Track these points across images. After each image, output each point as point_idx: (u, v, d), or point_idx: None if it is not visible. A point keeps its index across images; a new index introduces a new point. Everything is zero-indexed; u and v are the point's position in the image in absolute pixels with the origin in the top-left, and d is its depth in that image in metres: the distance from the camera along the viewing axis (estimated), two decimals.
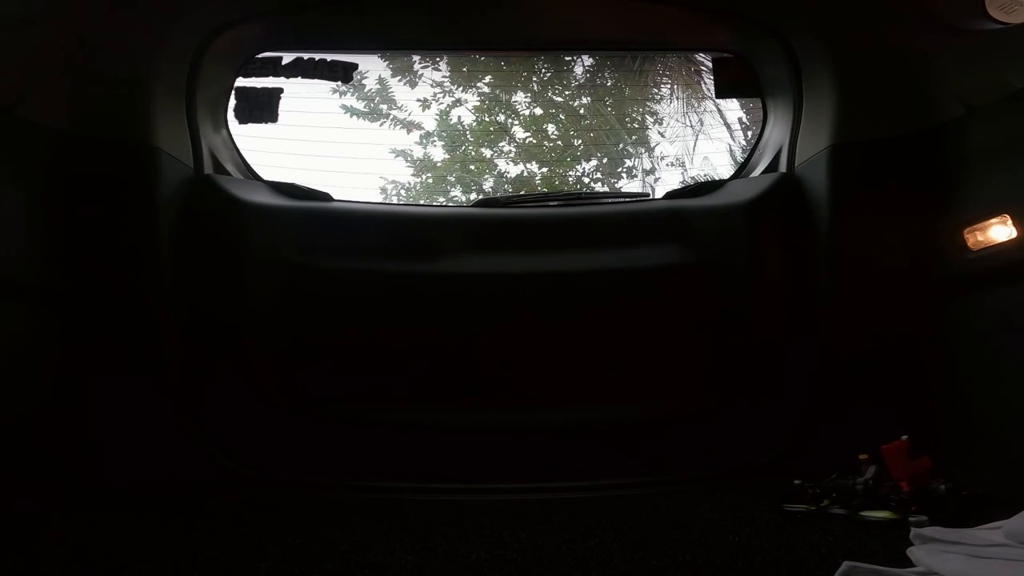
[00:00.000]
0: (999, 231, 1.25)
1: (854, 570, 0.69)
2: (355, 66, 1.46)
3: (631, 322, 1.36)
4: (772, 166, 1.55)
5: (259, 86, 1.44)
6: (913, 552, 0.74)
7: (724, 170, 3.66)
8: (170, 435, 1.38)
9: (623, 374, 1.34)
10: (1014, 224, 1.21)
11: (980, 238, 1.29)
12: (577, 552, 0.87)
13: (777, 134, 1.58)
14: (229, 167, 1.47)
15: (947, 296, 1.39)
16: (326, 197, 1.47)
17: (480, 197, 1.93)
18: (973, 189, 1.32)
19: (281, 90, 1.44)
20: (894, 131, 1.41)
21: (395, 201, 2.34)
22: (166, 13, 1.30)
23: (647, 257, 1.37)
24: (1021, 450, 1.15)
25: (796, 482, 1.12)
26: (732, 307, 1.39)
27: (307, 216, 1.41)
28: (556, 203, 1.63)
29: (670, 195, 1.58)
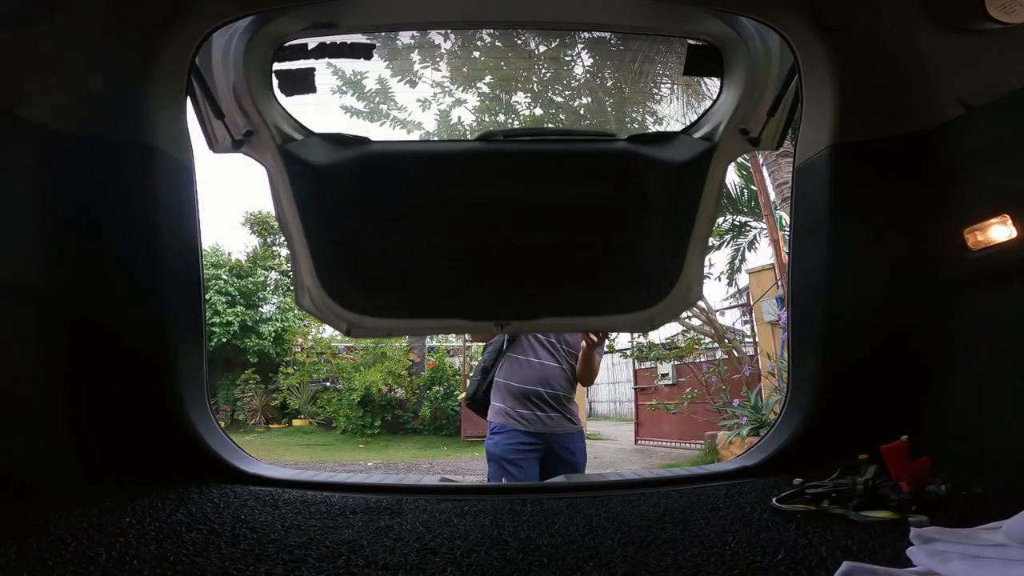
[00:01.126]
0: (999, 231, 1.25)
1: (854, 570, 0.69)
2: (373, 46, 1.64)
3: (586, 240, 1.84)
4: (710, 135, 1.74)
5: (294, 68, 1.62)
6: (913, 552, 0.74)
7: None
8: (171, 435, 1.39)
9: (571, 267, 1.88)
10: (1014, 224, 1.21)
11: (980, 238, 1.29)
12: (577, 552, 0.87)
13: (723, 109, 1.71)
14: (290, 131, 1.68)
15: (947, 296, 1.39)
16: (367, 141, 1.70)
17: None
18: (973, 189, 1.32)
19: (314, 68, 1.63)
20: (894, 131, 1.41)
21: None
22: (166, 13, 1.30)
23: (602, 190, 1.76)
24: (1021, 450, 1.15)
25: (796, 482, 1.12)
26: (640, 241, 1.83)
27: (357, 163, 1.67)
28: (542, 137, 1.98)
29: (632, 138, 1.78)
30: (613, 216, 1.79)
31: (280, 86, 1.62)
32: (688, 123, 1.84)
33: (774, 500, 1.08)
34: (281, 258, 12.94)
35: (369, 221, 1.73)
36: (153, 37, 1.31)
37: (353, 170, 1.66)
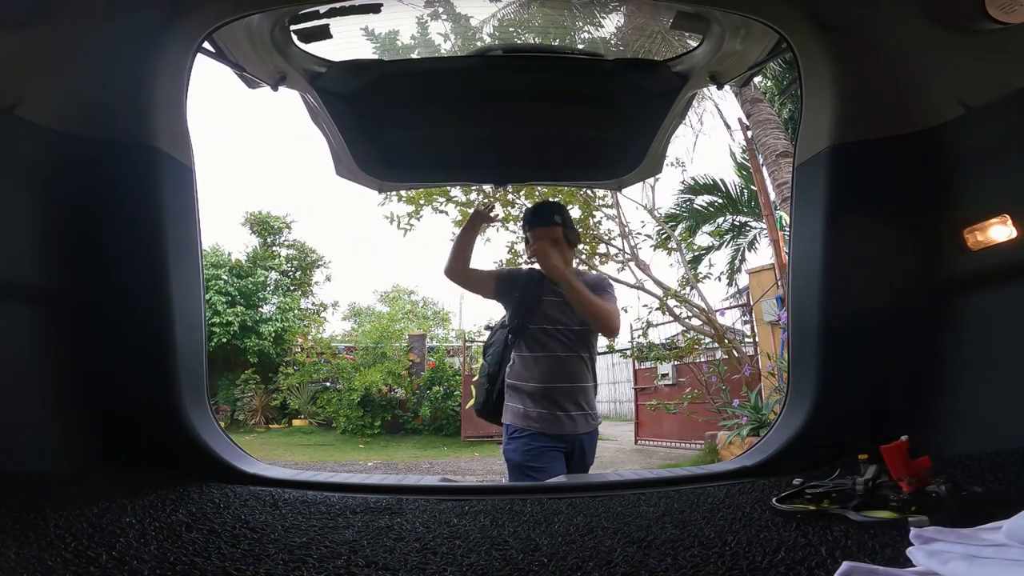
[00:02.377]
0: (999, 231, 1.25)
1: (854, 570, 0.69)
2: (381, 4, 1.75)
3: (569, 132, 2.21)
4: (685, 73, 1.92)
5: (310, 24, 1.75)
6: (913, 552, 0.74)
7: None
8: (171, 434, 1.39)
9: (556, 149, 2.29)
10: (1014, 224, 1.21)
11: (980, 238, 1.29)
12: (577, 552, 0.87)
13: (701, 57, 1.84)
14: (316, 68, 1.89)
15: (947, 296, 1.39)
16: (382, 62, 1.98)
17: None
18: (973, 189, 1.32)
19: (328, 24, 1.77)
20: (894, 131, 1.41)
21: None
22: (166, 13, 1.30)
23: (585, 99, 2.07)
24: (1021, 450, 1.15)
25: (796, 482, 1.12)
26: (614, 135, 2.21)
27: (377, 79, 1.93)
28: (538, 52, 2.21)
29: (618, 61, 2.00)
30: (593, 118, 2.16)
31: (299, 38, 1.78)
32: (670, 56, 2.01)
33: (774, 500, 1.08)
34: (281, 258, 12.94)
35: (391, 117, 2.07)
36: (153, 38, 1.31)
37: (374, 85, 1.95)
